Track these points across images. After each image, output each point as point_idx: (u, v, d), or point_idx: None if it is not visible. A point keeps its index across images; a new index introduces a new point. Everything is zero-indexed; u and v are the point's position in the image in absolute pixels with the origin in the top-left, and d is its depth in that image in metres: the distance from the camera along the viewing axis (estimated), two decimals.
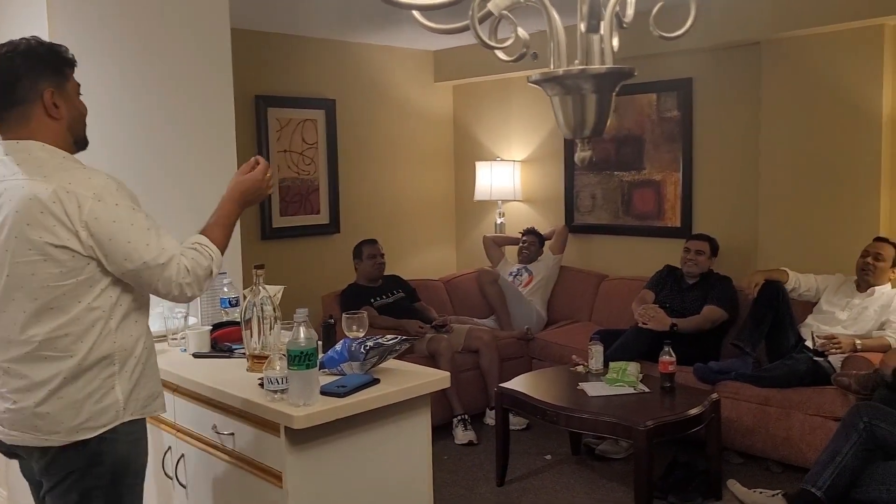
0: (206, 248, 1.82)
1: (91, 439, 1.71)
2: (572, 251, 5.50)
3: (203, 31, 2.99)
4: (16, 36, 1.78)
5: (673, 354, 3.53)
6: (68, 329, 1.68)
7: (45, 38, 2.09)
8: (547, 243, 5.39)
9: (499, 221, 5.81)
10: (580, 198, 5.56)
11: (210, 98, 3.03)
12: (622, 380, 3.57)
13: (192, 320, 2.69)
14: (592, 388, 3.56)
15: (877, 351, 3.59)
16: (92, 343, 1.70)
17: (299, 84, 5.40)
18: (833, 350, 3.59)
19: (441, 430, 4.30)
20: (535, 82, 1.27)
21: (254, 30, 5.09)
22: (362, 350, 2.07)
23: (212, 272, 1.81)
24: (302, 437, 1.90)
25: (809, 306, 4.06)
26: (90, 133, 1.87)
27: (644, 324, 4.17)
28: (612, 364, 3.71)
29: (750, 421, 3.77)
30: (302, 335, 1.87)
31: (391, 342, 2.11)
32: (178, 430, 2.30)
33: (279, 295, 2.47)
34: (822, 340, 3.62)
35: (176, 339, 2.56)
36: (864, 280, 3.80)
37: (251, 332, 2.18)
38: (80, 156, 1.82)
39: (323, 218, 5.58)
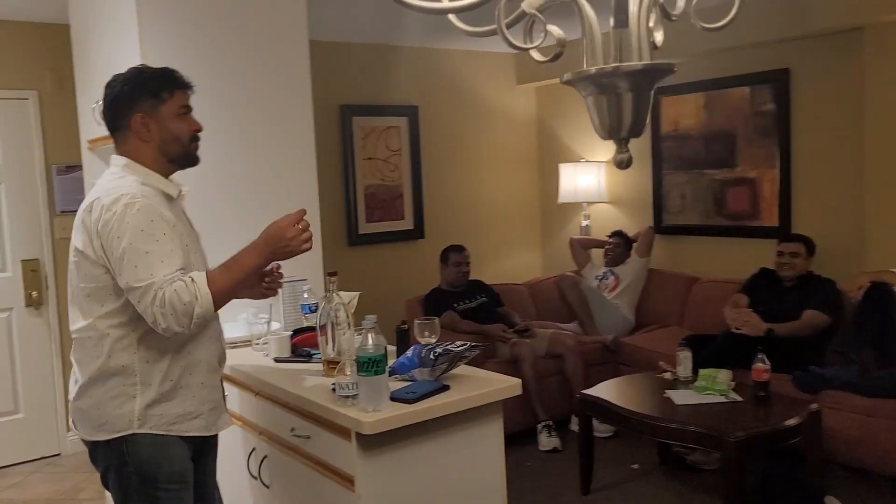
0: (195, 286, 1.76)
1: (114, 440, 1.82)
2: (662, 253, 5.33)
3: (283, 46, 3.06)
4: (116, 66, 1.92)
5: (767, 361, 3.36)
6: (89, 332, 1.82)
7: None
8: (634, 246, 5.24)
9: (584, 224, 5.70)
10: (669, 198, 5.38)
11: (290, 112, 3.10)
12: (712, 388, 3.42)
13: (275, 325, 2.75)
14: (680, 396, 3.42)
15: None
16: (109, 350, 1.80)
17: (382, 92, 5.47)
18: None
19: (525, 436, 4.25)
20: (568, 82, 1.22)
21: (335, 41, 5.19)
22: (431, 356, 2.05)
23: (193, 311, 1.74)
24: (373, 443, 1.91)
25: None
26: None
27: (737, 329, 3.98)
28: (701, 371, 3.56)
29: (856, 432, 3.53)
30: (370, 342, 1.88)
31: (460, 349, 2.09)
32: (261, 432, 2.35)
33: (354, 301, 2.50)
34: None
35: (259, 343, 2.62)
36: None
37: (326, 338, 2.21)
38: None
39: (408, 224, 5.63)
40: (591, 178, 5.62)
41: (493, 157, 6.08)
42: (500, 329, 4.34)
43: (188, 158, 1.97)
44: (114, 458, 1.85)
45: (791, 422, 3.15)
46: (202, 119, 1.98)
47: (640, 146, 5.49)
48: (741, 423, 3.12)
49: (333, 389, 2.01)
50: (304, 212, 1.92)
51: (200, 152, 1.93)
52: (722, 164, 5.03)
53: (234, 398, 2.47)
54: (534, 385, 4.22)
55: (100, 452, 1.88)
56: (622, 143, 1.24)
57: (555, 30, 1.22)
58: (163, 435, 1.85)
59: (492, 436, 2.15)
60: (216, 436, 2.06)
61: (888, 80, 4.09)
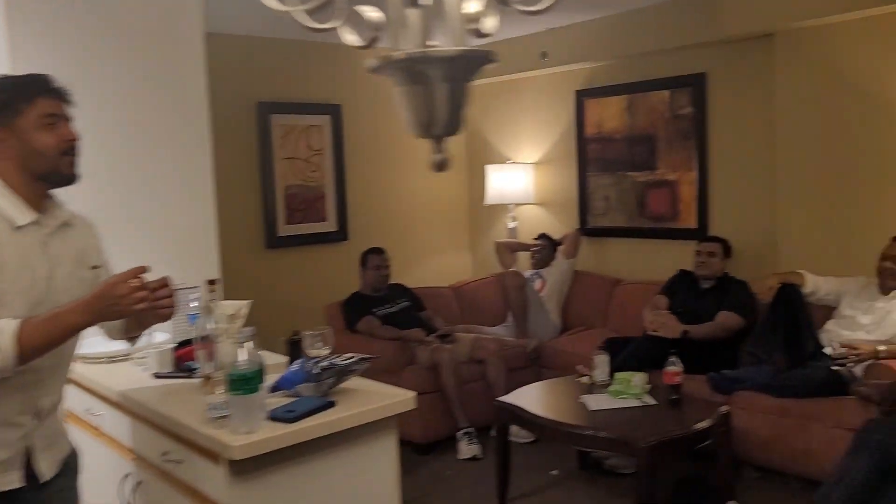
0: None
1: None
2: (587, 255, 5.32)
3: (173, 39, 2.90)
4: None
5: (679, 364, 3.35)
6: None
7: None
8: (560, 248, 5.22)
9: (511, 226, 5.65)
10: (594, 200, 5.37)
11: (182, 109, 2.94)
12: (626, 392, 3.39)
13: (162, 336, 2.59)
14: (595, 401, 3.38)
15: None
16: None
17: (303, 89, 5.31)
18: (852, 360, 3.36)
19: (447, 444, 4.17)
20: (375, 69, 1.09)
21: (253, 35, 5.02)
22: (315, 371, 1.94)
23: None
24: (247, 467, 1.78)
25: (830, 311, 3.82)
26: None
27: (654, 331, 3.98)
28: (616, 375, 3.53)
29: (767, 433, 3.55)
30: (243, 357, 1.76)
31: (347, 361, 1.98)
32: (135, 456, 2.20)
33: (245, 310, 2.37)
34: (841, 350, 3.39)
35: (139, 358, 2.47)
36: (886, 284, 3.56)
37: (205, 352, 2.07)
38: None
39: (331, 225, 5.48)
40: (518, 180, 5.58)
41: (418, 158, 5.97)
42: (419, 334, 4.25)
43: (59, 175, 1.74)
44: None
45: (702, 424, 3.14)
46: (89, 122, 1.78)
47: (566, 148, 5.48)
48: (653, 427, 3.10)
49: None
50: (141, 269, 1.68)
51: (88, 159, 1.73)
52: (644, 166, 5.04)
53: (108, 418, 2.31)
54: (454, 391, 4.15)
55: None
56: (437, 142, 1.12)
57: (369, 11, 1.10)
58: None
59: (385, 453, 2.05)
60: (42, 486, 1.78)
61: (797, 85, 4.14)
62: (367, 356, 2.06)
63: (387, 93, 5.98)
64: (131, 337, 2.02)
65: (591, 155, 5.35)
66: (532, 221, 5.69)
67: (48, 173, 1.73)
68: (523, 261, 5.37)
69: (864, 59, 3.89)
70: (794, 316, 3.66)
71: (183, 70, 2.94)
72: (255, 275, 5.12)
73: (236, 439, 1.75)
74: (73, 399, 2.67)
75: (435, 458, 4.12)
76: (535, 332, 4.85)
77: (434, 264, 6.06)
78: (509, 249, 5.37)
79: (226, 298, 5.07)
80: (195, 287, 2.79)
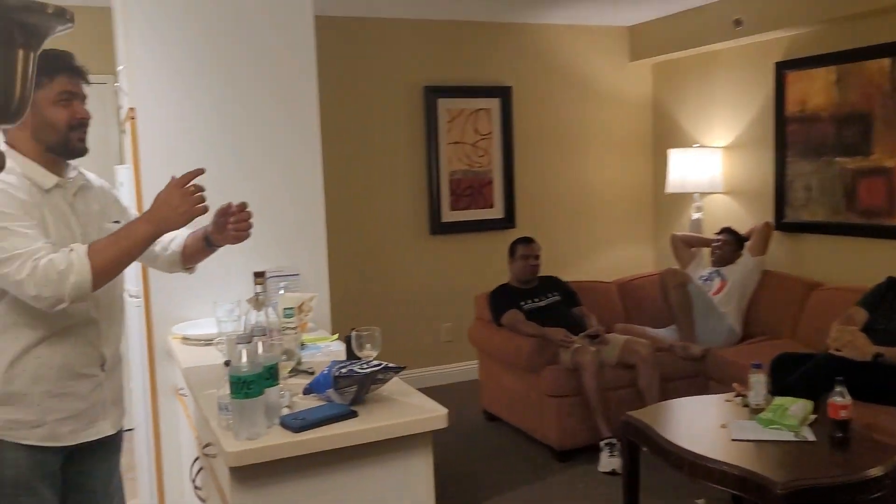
0: (72, 254, 1.68)
1: None
2: (780, 253, 4.63)
3: (284, 24, 2.88)
4: None
5: (846, 395, 2.74)
6: None
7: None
8: (746, 244, 4.59)
9: (694, 217, 5.09)
10: (793, 189, 4.65)
11: (293, 94, 2.92)
12: (780, 422, 2.85)
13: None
14: (740, 429, 2.88)
15: None
16: None
17: (471, 72, 5.17)
18: None
19: (588, 453, 3.85)
20: None
21: (419, 18, 4.96)
22: (335, 376, 1.80)
23: (68, 279, 1.65)
24: (255, 473, 1.68)
25: None
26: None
27: (837, 350, 3.32)
28: (775, 400, 2.99)
29: None
30: (244, 358, 1.66)
31: (369, 370, 1.81)
32: (199, 442, 2.22)
33: (311, 303, 2.29)
34: None
35: (217, 343, 2.49)
36: None
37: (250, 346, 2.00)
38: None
39: (497, 212, 5.32)
40: (705, 166, 4.99)
41: (598, 142, 5.59)
42: (561, 333, 3.94)
43: (67, 148, 1.84)
44: None
45: (872, 472, 2.54)
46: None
47: (762, 129, 4.79)
48: (799, 469, 2.57)
49: None
50: (196, 173, 1.80)
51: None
52: (855, 150, 4.26)
53: (188, 399, 2.36)
54: (596, 397, 3.80)
55: None
56: None
57: None
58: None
59: (417, 473, 1.85)
60: (113, 437, 1.94)
61: None
62: (394, 365, 1.86)
63: (561, 73, 5.72)
64: (188, 267, 2.20)
65: (791, 137, 4.63)
66: (720, 213, 5.08)
67: (56, 145, 1.82)
68: (705, 257, 4.81)
69: None
70: None
71: (292, 54, 2.91)
72: (418, 260, 5.12)
73: (234, 444, 1.66)
74: (174, 376, 2.79)
75: (572, 467, 3.83)
76: (705, 337, 4.31)
77: (610, 257, 5.66)
78: (687, 244, 4.83)
79: (386, 283, 5.16)
80: (293, 275, 2.79)
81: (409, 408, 1.88)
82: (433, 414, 1.84)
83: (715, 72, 5.11)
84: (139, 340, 2.95)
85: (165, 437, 2.85)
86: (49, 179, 1.82)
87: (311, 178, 2.98)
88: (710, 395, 3.44)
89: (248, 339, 1.70)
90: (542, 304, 4.25)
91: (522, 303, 4.23)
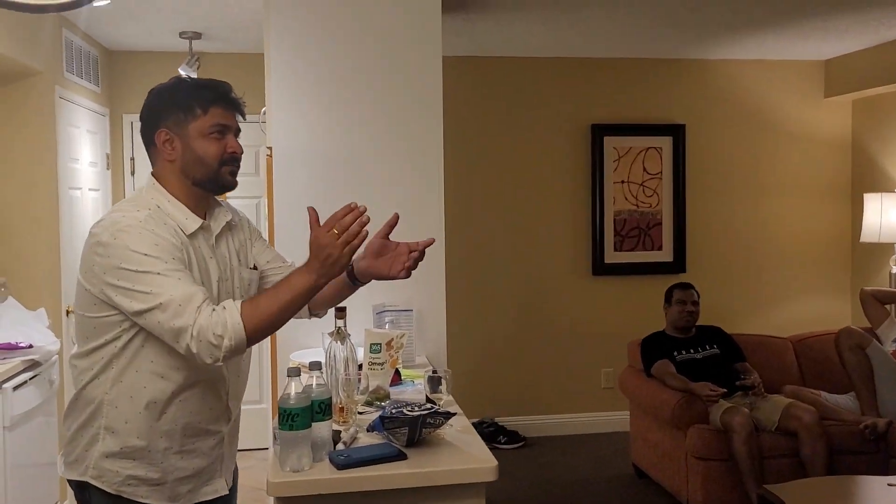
0: (225, 314, 1.56)
1: (77, 482, 1.70)
2: None
3: (413, 61, 2.98)
4: None
5: None
6: (75, 361, 1.71)
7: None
8: None
9: (894, 271, 4.47)
10: None
11: (418, 130, 3.00)
12: None
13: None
14: None
15: None
16: (85, 380, 1.68)
17: (641, 110, 5.00)
18: None
19: None
20: None
21: (586, 57, 4.89)
22: (380, 418, 1.79)
23: (223, 343, 1.55)
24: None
25: None
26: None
27: None
28: None
29: None
30: (292, 391, 1.71)
31: (418, 413, 1.78)
32: None
33: (402, 340, 2.31)
34: None
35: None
36: None
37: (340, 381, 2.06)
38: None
39: (666, 255, 5.05)
40: None
41: (784, 184, 5.13)
42: (706, 388, 3.62)
43: (216, 182, 1.72)
44: (83, 499, 1.73)
45: None
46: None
47: None
48: None
49: None
50: (347, 210, 1.60)
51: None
52: None
53: None
54: (747, 464, 3.44)
55: (76, 493, 1.74)
56: None
57: None
58: (113, 495, 1.67)
59: None
60: (226, 498, 1.85)
61: None
62: (448, 411, 1.82)
63: (743, 110, 5.37)
64: (315, 313, 2.03)
65: None
66: None
67: (204, 181, 1.72)
68: None
69: None
70: None
71: (420, 91, 2.99)
72: (579, 300, 5.00)
73: (278, 475, 1.71)
74: None
75: None
76: (889, 407, 3.74)
77: (794, 311, 5.14)
78: (880, 300, 4.24)
79: (545, 322, 5.04)
80: (406, 310, 2.84)
81: (461, 456, 1.83)
82: (482, 465, 1.78)
83: None
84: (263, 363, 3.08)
85: None
86: (193, 222, 1.72)
87: (434, 219, 3.02)
88: (875, 477, 2.98)
89: (296, 372, 1.74)
90: (697, 356, 3.95)
91: (676, 353, 3.95)
